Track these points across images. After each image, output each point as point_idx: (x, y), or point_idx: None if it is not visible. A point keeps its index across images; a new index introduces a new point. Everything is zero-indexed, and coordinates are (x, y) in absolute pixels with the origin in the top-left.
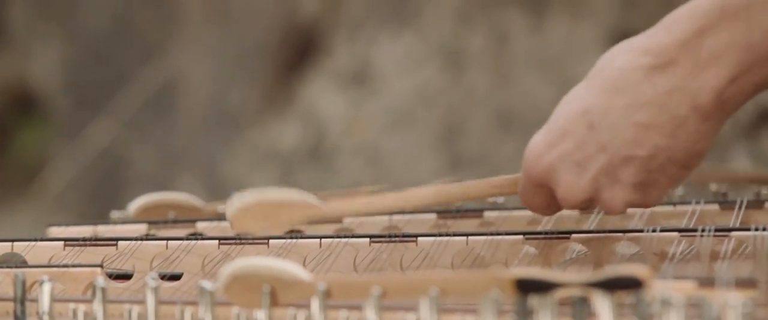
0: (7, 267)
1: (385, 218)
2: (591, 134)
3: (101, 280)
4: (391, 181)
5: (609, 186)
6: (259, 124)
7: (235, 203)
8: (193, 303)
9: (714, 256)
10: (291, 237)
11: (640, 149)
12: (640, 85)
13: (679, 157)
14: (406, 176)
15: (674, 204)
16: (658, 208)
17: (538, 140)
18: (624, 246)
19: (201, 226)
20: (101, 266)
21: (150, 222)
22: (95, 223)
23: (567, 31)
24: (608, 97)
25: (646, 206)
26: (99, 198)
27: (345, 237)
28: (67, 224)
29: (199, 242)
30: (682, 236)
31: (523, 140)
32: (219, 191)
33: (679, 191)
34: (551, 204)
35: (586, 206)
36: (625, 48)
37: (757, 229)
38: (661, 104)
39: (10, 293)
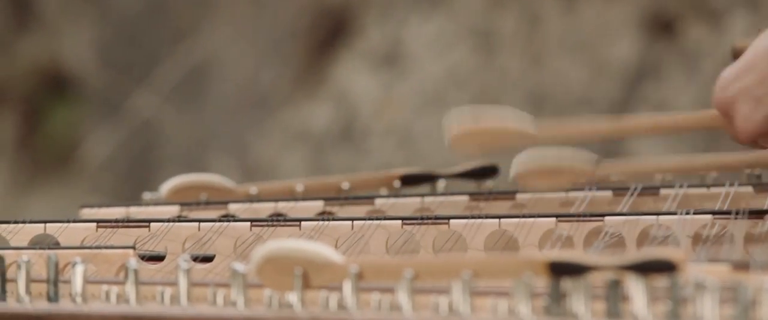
0: (40, 248)
1: (417, 200)
2: None
3: (133, 262)
4: (423, 163)
5: None
6: (291, 105)
7: (455, 124)
8: (226, 285)
9: (749, 239)
10: (323, 219)
11: None
12: None
13: None
14: (438, 158)
15: (708, 186)
16: (691, 190)
17: (727, 72)
18: (657, 229)
19: (233, 208)
20: (133, 248)
21: (182, 204)
22: (127, 205)
23: (599, 13)
24: None
25: None
26: (132, 179)
27: (377, 219)
28: (100, 205)
29: (231, 224)
30: (715, 218)
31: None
32: (251, 172)
33: (713, 173)
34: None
35: (763, 140)
36: None
37: None
38: None
39: (43, 274)
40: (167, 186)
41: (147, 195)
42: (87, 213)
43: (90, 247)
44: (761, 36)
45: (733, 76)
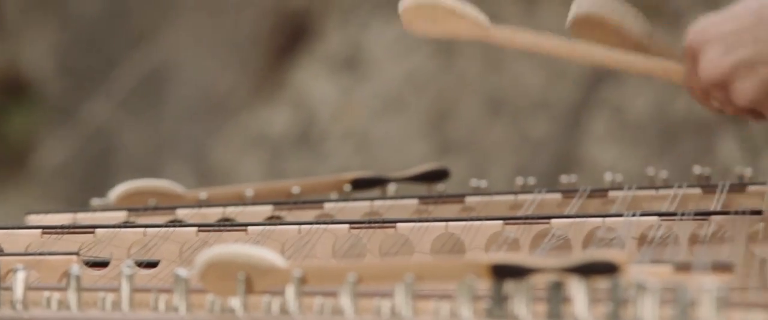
0: None
1: (367, 204)
2: (754, 26)
3: (76, 268)
4: (381, 167)
5: (744, 78)
6: (249, 109)
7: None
8: (169, 291)
9: (693, 240)
10: (269, 224)
11: None
12: None
13: None
14: (396, 161)
15: (657, 188)
16: (640, 192)
17: (707, 17)
18: (603, 231)
19: (181, 213)
20: (77, 254)
21: (130, 210)
22: (75, 211)
23: (558, 17)
24: None
25: (765, 112)
26: (87, 185)
27: (324, 223)
28: (47, 211)
29: (177, 229)
30: (661, 220)
31: (513, 125)
32: (208, 177)
33: (663, 175)
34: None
35: (717, 91)
36: None
37: (736, 213)
38: None
39: None
40: (115, 192)
41: (95, 201)
42: (33, 219)
43: (33, 254)
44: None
45: (711, 21)
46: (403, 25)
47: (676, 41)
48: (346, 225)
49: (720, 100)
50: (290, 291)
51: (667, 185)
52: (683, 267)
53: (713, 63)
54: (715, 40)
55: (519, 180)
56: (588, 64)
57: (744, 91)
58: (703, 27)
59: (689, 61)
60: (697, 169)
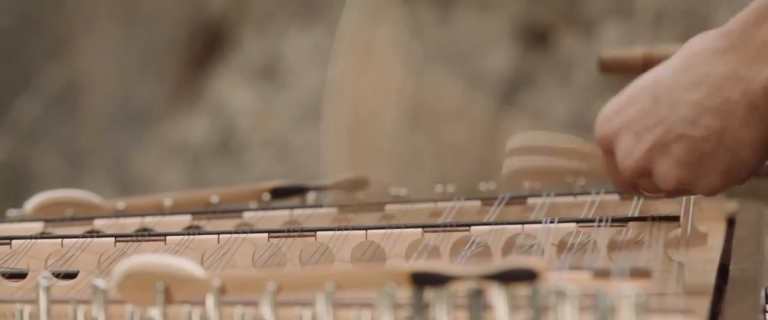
0: None
1: (286, 213)
2: (654, 106)
3: None
4: (302, 176)
5: (661, 160)
6: (168, 119)
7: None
8: (87, 302)
9: (612, 246)
10: (188, 234)
11: (693, 128)
12: (704, 66)
13: (729, 144)
14: (316, 170)
15: (575, 194)
16: (558, 199)
17: (609, 105)
18: (523, 238)
19: (99, 224)
20: None
21: (47, 221)
22: None
23: (475, 24)
24: (675, 74)
25: (701, 192)
26: (5, 196)
27: (243, 232)
28: None
29: (95, 240)
30: (579, 227)
31: (431, 134)
32: (128, 187)
33: (580, 181)
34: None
35: (643, 180)
36: (710, 31)
37: (653, 219)
38: (718, 86)
39: None
40: (32, 203)
41: (12, 212)
42: None
43: None
44: (643, 75)
45: (613, 110)
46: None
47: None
48: (266, 235)
49: (648, 189)
50: (210, 301)
51: (585, 192)
52: (602, 274)
53: (630, 154)
54: (622, 129)
55: (438, 188)
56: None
57: (665, 174)
58: (607, 118)
59: (606, 156)
60: None
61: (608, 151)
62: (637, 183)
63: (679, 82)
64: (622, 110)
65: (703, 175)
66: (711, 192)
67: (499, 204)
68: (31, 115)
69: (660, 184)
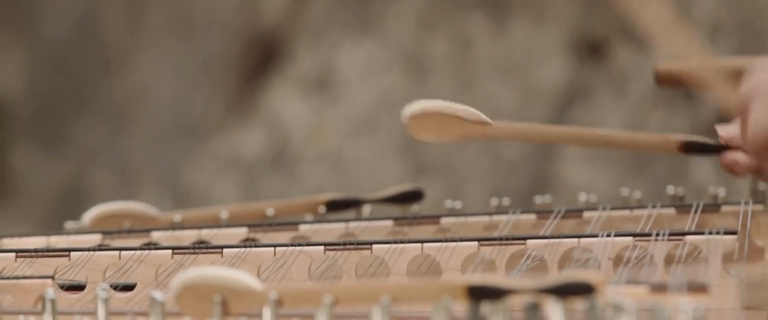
0: None
1: (342, 225)
2: None
3: (51, 292)
4: (355, 188)
5: None
6: (222, 132)
7: (411, 109)
8: (145, 314)
9: (669, 261)
10: (245, 246)
11: None
12: None
13: None
14: (370, 183)
15: (631, 208)
16: (614, 212)
17: (761, 67)
18: (579, 252)
19: (156, 236)
20: (52, 277)
21: (104, 233)
22: (49, 234)
23: (528, 36)
24: None
25: None
26: (63, 208)
27: (299, 245)
28: (25, 234)
29: (153, 252)
30: (636, 240)
31: (486, 146)
32: (183, 200)
33: (637, 195)
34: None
35: (765, 155)
36: None
37: (711, 233)
38: None
39: None
40: (90, 215)
41: (70, 224)
42: (7, 243)
43: (7, 278)
44: None
45: (762, 76)
46: (409, 131)
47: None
48: (322, 247)
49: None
50: (267, 314)
51: (641, 205)
52: (659, 288)
53: (759, 122)
54: (761, 97)
55: (493, 201)
56: (585, 145)
57: None
58: (752, 82)
59: (741, 121)
60: (670, 189)
61: (742, 113)
62: (762, 158)
63: None
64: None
65: None
66: None
67: (555, 217)
68: (86, 129)
69: None
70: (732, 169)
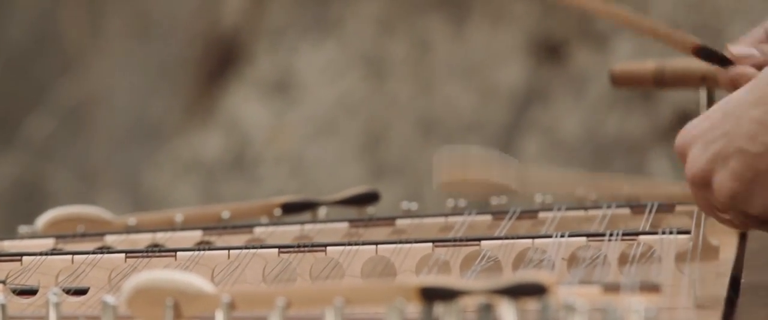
0: None
1: (297, 228)
2: (721, 120)
3: (2, 296)
4: (315, 191)
5: (719, 172)
6: (182, 134)
7: (444, 170)
8: (97, 318)
9: (622, 260)
10: (198, 249)
11: (751, 143)
12: None
13: None
14: (330, 185)
15: (586, 208)
16: (569, 213)
17: (691, 122)
18: (533, 252)
19: (110, 240)
20: (4, 282)
21: (58, 237)
22: (1, 238)
23: (487, 38)
24: (746, 91)
25: (754, 210)
26: (19, 212)
27: (253, 248)
28: None
29: (106, 256)
30: (589, 240)
31: (444, 148)
32: (142, 203)
33: (592, 196)
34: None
35: (704, 191)
36: None
37: (664, 232)
38: None
39: None
40: (43, 219)
41: (22, 229)
42: None
43: None
44: (725, 98)
45: (693, 123)
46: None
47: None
48: (276, 250)
49: (705, 203)
50: (219, 317)
51: (596, 205)
52: (612, 288)
53: (695, 161)
54: (694, 140)
55: (449, 202)
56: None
57: (721, 185)
58: (687, 129)
59: (683, 164)
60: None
61: (683, 159)
62: (699, 195)
63: (746, 99)
64: (699, 123)
65: (758, 193)
66: (765, 211)
67: (510, 218)
68: (44, 131)
69: (716, 195)
70: (736, 85)
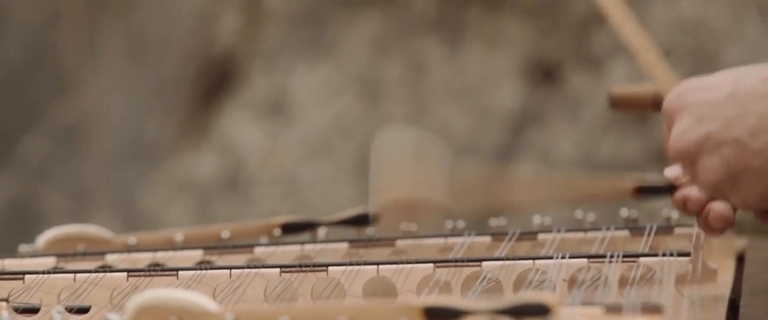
0: None
1: (297, 248)
2: (726, 100)
3: (6, 315)
4: (309, 211)
5: (709, 155)
6: (176, 155)
7: (384, 193)
8: None
9: (622, 282)
10: (200, 268)
11: (751, 139)
12: None
13: None
14: (324, 206)
15: (585, 230)
16: (568, 235)
17: (691, 81)
18: (534, 274)
19: (111, 259)
20: (6, 300)
21: (59, 255)
22: (2, 257)
23: (482, 60)
24: (761, 81)
25: (733, 202)
26: (14, 231)
27: (255, 267)
28: None
29: (108, 274)
30: (590, 262)
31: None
32: (136, 223)
33: (591, 217)
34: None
35: (684, 165)
36: None
37: (664, 255)
38: None
39: None
40: (44, 238)
41: (23, 247)
42: None
43: None
44: (742, 67)
45: (691, 86)
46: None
47: (598, 87)
48: (277, 269)
49: (688, 175)
50: None
51: (595, 227)
52: (613, 309)
53: (682, 134)
54: (688, 108)
55: (448, 224)
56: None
57: (707, 170)
58: (681, 91)
59: (666, 128)
60: (624, 212)
61: (668, 122)
62: (684, 167)
63: (758, 90)
64: (697, 90)
65: (742, 188)
66: (742, 206)
67: (510, 239)
68: (39, 151)
69: (699, 177)
70: (684, 207)
